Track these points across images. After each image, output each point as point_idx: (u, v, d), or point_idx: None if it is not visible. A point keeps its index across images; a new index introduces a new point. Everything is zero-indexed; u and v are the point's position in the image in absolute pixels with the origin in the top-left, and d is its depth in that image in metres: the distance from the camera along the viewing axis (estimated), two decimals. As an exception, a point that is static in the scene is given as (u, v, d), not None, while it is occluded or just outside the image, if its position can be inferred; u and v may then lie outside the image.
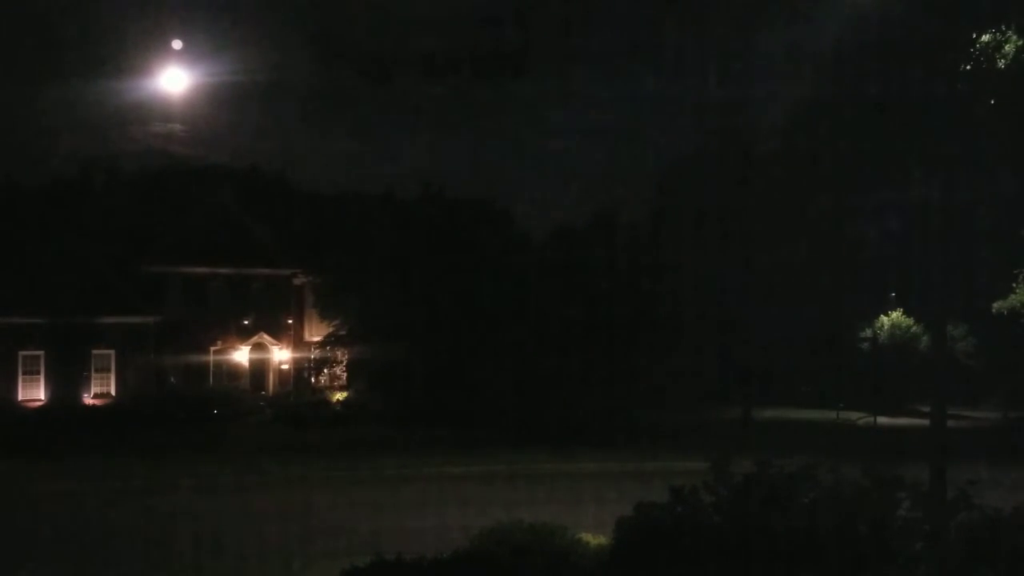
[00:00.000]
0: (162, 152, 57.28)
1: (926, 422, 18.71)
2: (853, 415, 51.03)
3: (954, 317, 44.09)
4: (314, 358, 51.28)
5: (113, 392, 44.99)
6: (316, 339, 51.13)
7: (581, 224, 58.26)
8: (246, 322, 49.53)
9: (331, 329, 49.98)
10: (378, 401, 45.36)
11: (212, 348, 49.01)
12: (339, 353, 50.01)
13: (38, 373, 43.79)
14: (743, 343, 51.70)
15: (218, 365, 49.25)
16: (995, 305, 25.17)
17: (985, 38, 14.41)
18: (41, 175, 56.00)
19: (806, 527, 10.37)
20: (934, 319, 20.60)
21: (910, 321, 55.71)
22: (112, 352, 45.31)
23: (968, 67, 14.81)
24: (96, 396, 44.60)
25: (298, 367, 51.51)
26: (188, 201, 50.93)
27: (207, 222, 49.07)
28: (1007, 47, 14.28)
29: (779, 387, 55.68)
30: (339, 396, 47.66)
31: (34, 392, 43.59)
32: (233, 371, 49.45)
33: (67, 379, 43.97)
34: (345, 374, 50.73)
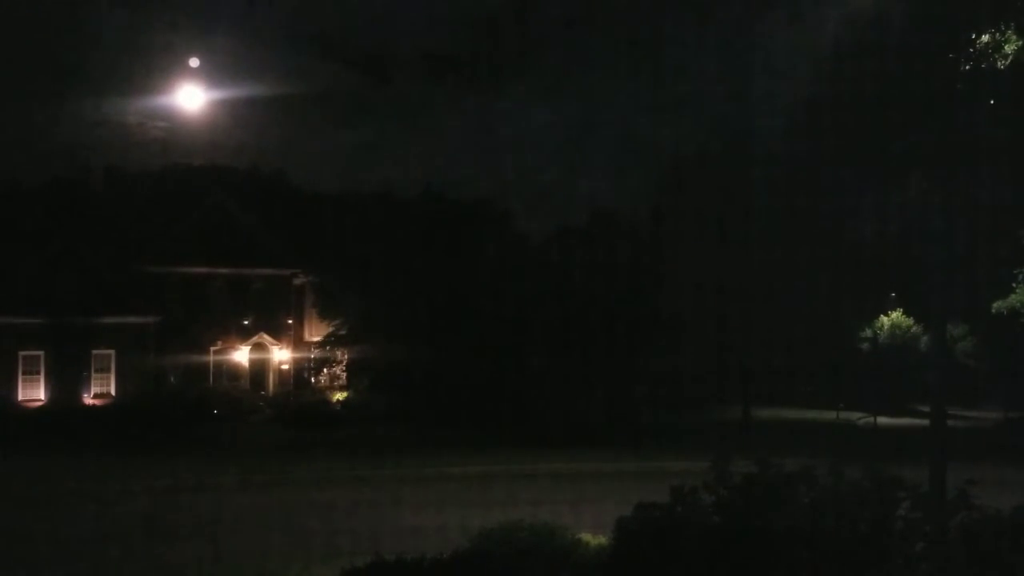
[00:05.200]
0: (163, 153, 57.34)
1: (926, 422, 18.70)
2: (853, 415, 51.03)
3: (954, 317, 44.06)
4: (314, 358, 51.29)
5: (113, 392, 44.98)
6: (316, 339, 51.12)
7: (581, 224, 58.19)
8: (246, 322, 49.52)
9: (331, 329, 49.98)
10: (378, 401, 45.35)
11: (212, 348, 49.01)
12: (339, 353, 50.01)
13: (38, 373, 43.78)
14: (743, 343, 51.66)
15: (218, 365, 49.24)
16: (995, 305, 25.12)
17: (985, 38, 14.40)
18: (41, 175, 55.93)
19: (806, 527, 10.36)
20: (934, 319, 20.61)
21: (910, 321, 55.68)
22: (112, 352, 45.30)
23: (968, 67, 14.81)
24: (96, 396, 44.59)
25: (298, 367, 51.50)
26: (188, 201, 50.92)
27: (207, 222, 49.04)
28: (1007, 47, 14.27)
29: (779, 387, 55.66)
30: (339, 396, 47.66)
31: (34, 392, 43.58)
32: (233, 371, 49.44)
33: (67, 379, 43.96)
34: (345, 374, 50.72)
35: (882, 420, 47.83)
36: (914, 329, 55.14)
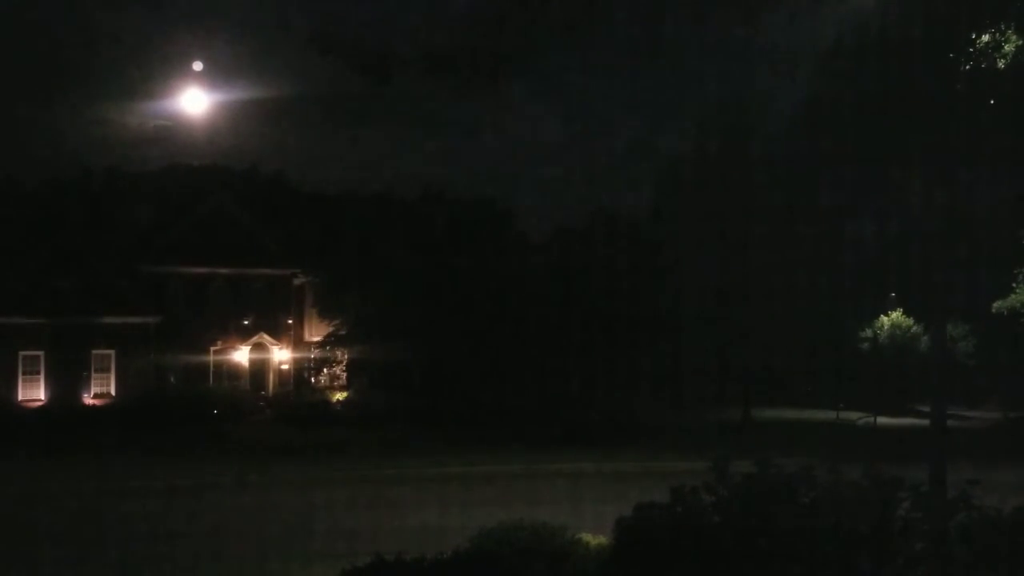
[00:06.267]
0: (163, 153, 57.42)
1: (926, 422, 18.71)
2: (853, 415, 51.06)
3: (954, 317, 44.08)
4: (314, 358, 51.29)
5: (113, 392, 44.98)
6: (316, 339, 51.13)
7: (581, 224, 58.25)
8: (246, 322, 49.52)
9: (331, 329, 50.00)
10: (378, 401, 45.36)
11: (212, 348, 49.00)
12: (339, 353, 50.03)
13: (38, 373, 43.77)
14: (743, 343, 51.70)
15: (218, 365, 49.23)
16: (995, 305, 25.19)
17: (985, 38, 14.39)
18: (42, 175, 55.96)
19: (806, 527, 10.36)
20: (934, 319, 20.61)
21: (910, 321, 55.69)
22: (112, 352, 45.29)
23: (968, 67, 14.80)
24: (96, 396, 44.59)
25: (298, 367, 51.51)
26: (188, 201, 50.93)
27: (207, 222, 49.03)
28: (1007, 47, 14.25)
29: (779, 387, 55.69)
30: (339, 396, 47.67)
31: (34, 392, 43.58)
32: (233, 371, 49.43)
33: (67, 379, 43.95)
34: (345, 374, 50.73)
35: (882, 420, 47.83)
36: (914, 329, 55.14)
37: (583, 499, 23.25)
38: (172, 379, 47.20)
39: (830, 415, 51.08)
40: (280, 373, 50.85)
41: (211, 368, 48.87)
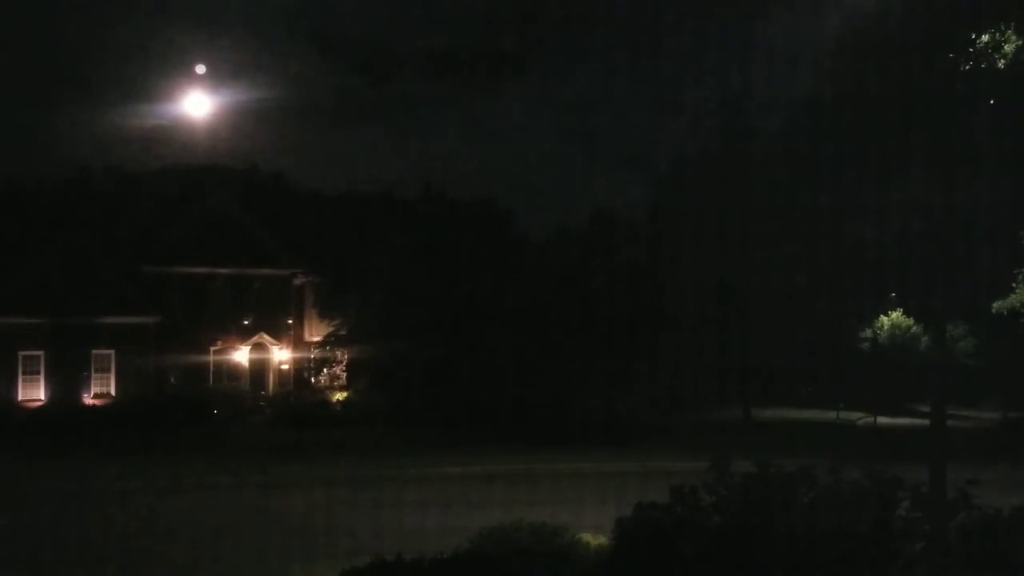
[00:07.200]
0: (163, 153, 57.42)
1: (926, 422, 18.73)
2: (853, 415, 51.04)
3: (954, 317, 44.03)
4: (314, 358, 51.28)
5: (113, 392, 44.97)
6: (316, 339, 51.12)
7: (581, 224, 58.20)
8: (246, 322, 49.51)
9: (331, 329, 50.00)
10: (378, 401, 45.35)
11: (212, 348, 48.99)
12: (339, 353, 50.02)
13: (38, 373, 43.77)
14: (743, 343, 51.67)
15: (218, 365, 49.22)
16: (995, 305, 25.15)
17: (985, 38, 14.39)
18: (42, 175, 55.95)
19: (806, 527, 10.36)
20: (934, 319, 20.63)
21: (910, 321, 55.60)
22: (112, 352, 45.28)
23: (968, 67, 14.80)
24: (96, 396, 44.58)
25: (298, 367, 51.49)
26: (188, 201, 50.89)
27: (207, 222, 49.03)
28: (1007, 47, 14.25)
29: (779, 387, 55.65)
30: (339, 396, 47.66)
31: (34, 392, 43.58)
32: (233, 371, 49.42)
33: (67, 379, 43.95)
34: (345, 374, 50.73)
35: (882, 420, 47.82)
36: (914, 329, 55.04)
37: (583, 499, 23.25)
38: (172, 379, 47.20)
39: (830, 415, 51.08)
40: (280, 373, 50.84)
41: (211, 368, 48.86)
